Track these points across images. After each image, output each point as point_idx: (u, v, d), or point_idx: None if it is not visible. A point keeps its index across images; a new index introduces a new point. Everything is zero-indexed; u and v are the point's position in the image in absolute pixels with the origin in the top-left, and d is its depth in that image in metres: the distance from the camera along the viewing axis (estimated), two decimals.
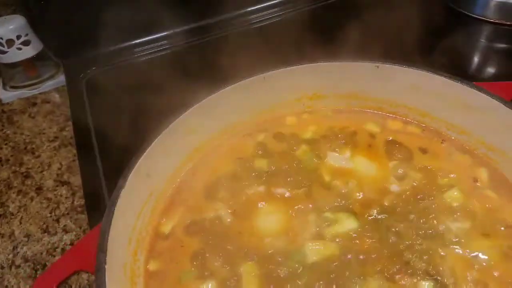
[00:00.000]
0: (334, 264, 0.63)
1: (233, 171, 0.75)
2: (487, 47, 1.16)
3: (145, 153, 0.66)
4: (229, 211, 0.70)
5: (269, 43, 1.14)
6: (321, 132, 0.79)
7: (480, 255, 0.63)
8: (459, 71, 1.07)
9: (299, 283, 0.61)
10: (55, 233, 0.84)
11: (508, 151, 0.71)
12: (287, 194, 0.71)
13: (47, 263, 0.79)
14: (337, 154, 0.75)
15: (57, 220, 0.86)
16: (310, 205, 0.69)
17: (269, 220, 0.68)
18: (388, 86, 0.76)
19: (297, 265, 0.63)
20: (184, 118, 0.72)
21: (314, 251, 0.64)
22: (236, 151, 0.78)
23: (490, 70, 1.13)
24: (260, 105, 0.80)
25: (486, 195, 0.70)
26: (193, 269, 0.64)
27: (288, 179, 0.72)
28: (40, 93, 1.17)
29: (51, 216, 0.87)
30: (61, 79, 1.18)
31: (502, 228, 0.66)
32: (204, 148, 0.77)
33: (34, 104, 1.14)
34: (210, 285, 0.62)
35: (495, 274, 0.61)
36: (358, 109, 0.81)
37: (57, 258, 0.80)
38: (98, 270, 0.54)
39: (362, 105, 0.80)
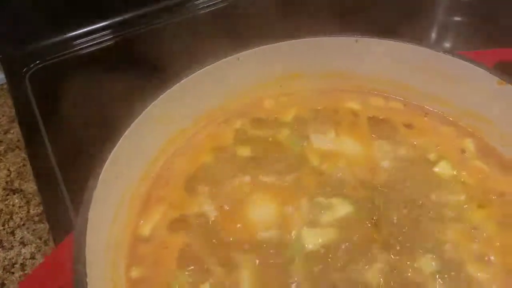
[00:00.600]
0: (333, 250, 0.59)
1: (213, 161, 0.69)
2: (445, 20, 1.17)
3: (114, 149, 0.59)
4: (215, 204, 0.64)
5: (226, 26, 1.08)
6: (302, 114, 0.74)
7: (479, 226, 0.62)
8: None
9: (299, 273, 0.57)
10: (11, 248, 0.74)
11: (494, 120, 0.70)
12: (275, 182, 0.66)
13: (5, 282, 0.70)
14: (321, 136, 0.71)
15: (12, 233, 0.76)
16: (301, 192, 0.65)
17: (259, 211, 0.63)
18: (367, 61, 0.73)
19: (294, 255, 0.59)
20: (154, 107, 0.65)
21: (311, 239, 0.60)
22: (213, 139, 0.72)
23: (448, 43, 1.13)
24: (235, 89, 0.74)
25: (476, 166, 0.69)
26: (182, 271, 0.57)
27: (274, 166, 0.67)
28: None
29: (4, 229, 0.77)
30: None
31: (495, 197, 0.65)
32: (178, 139, 0.70)
33: None
34: (205, 286, 0.56)
35: (495, 244, 0.60)
36: (337, 87, 0.77)
37: (17, 275, 0.71)
38: (77, 285, 0.46)
39: (341, 83, 0.76)
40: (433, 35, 1.14)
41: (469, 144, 0.71)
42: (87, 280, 0.47)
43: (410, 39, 0.71)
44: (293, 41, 0.70)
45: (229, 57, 0.69)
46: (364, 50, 0.71)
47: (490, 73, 0.66)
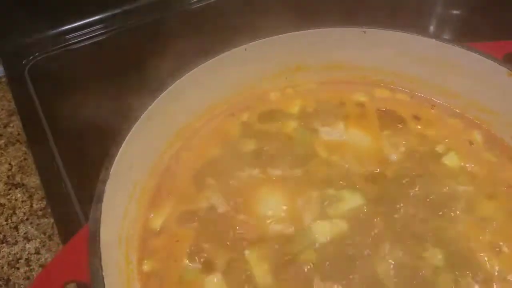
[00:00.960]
0: (344, 242, 0.59)
1: (220, 155, 0.68)
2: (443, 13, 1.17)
3: (125, 141, 0.58)
4: (223, 198, 0.63)
5: (221, 21, 1.07)
6: (308, 106, 0.74)
7: (488, 217, 0.62)
8: None
9: (310, 265, 0.57)
10: (15, 243, 0.73)
11: (501, 111, 0.70)
12: (284, 175, 0.66)
13: (10, 278, 0.69)
14: (329, 128, 0.71)
15: (16, 228, 0.75)
16: (311, 184, 0.64)
17: (269, 204, 0.63)
18: (374, 53, 0.73)
19: (305, 248, 0.58)
20: (162, 100, 0.64)
21: (322, 231, 0.60)
22: (220, 133, 0.72)
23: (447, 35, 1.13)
24: (241, 82, 0.74)
25: (484, 157, 0.69)
26: (194, 264, 0.57)
27: (283, 159, 0.67)
28: None
29: (7, 224, 0.76)
30: None
31: (504, 189, 0.65)
32: (185, 132, 0.70)
33: None
34: (216, 278, 0.56)
35: (505, 234, 0.60)
36: (342, 79, 0.77)
37: (22, 270, 0.70)
38: (94, 278, 0.46)
39: (347, 75, 0.76)
40: (432, 28, 1.15)
41: (477, 136, 0.71)
42: (103, 273, 0.46)
43: (416, 30, 0.71)
44: (300, 32, 0.70)
45: (235, 49, 0.68)
46: (370, 41, 0.71)
47: (499, 64, 0.67)
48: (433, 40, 0.69)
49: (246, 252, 0.58)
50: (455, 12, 1.17)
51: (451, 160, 0.68)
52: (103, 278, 0.46)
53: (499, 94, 0.68)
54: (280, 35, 0.69)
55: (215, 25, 1.05)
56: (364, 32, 0.71)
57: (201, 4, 1.19)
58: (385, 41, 0.71)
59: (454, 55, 0.69)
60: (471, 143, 0.71)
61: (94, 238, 0.48)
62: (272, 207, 0.63)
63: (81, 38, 1.08)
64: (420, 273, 0.57)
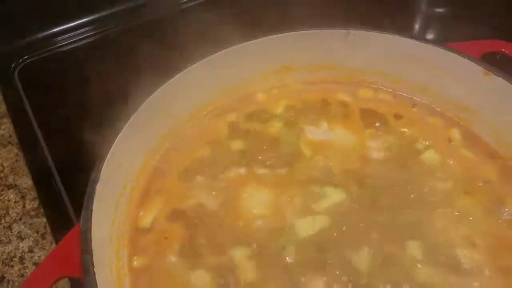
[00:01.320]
0: (325, 237, 0.62)
1: (208, 154, 0.70)
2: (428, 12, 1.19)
3: (114, 143, 0.60)
4: (211, 196, 0.66)
5: (212, 21, 1.09)
6: (294, 106, 0.76)
7: (465, 212, 0.65)
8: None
9: (293, 259, 0.59)
10: (9, 242, 0.75)
11: (480, 110, 0.72)
12: (269, 173, 0.68)
13: (5, 275, 0.70)
14: (314, 127, 0.73)
15: (9, 227, 0.77)
16: (295, 182, 0.67)
17: (255, 202, 0.65)
18: (358, 53, 0.75)
19: (289, 243, 0.61)
20: (151, 101, 0.66)
21: (304, 227, 0.63)
22: (208, 133, 0.74)
23: (431, 34, 1.16)
24: (227, 84, 0.76)
25: (462, 154, 0.72)
26: (181, 260, 0.59)
27: (268, 158, 0.69)
28: None
29: (1, 224, 0.77)
30: None
31: (482, 186, 0.68)
32: (174, 133, 0.72)
33: None
34: (202, 274, 0.58)
35: (480, 229, 0.63)
36: (326, 79, 0.79)
37: (16, 268, 0.71)
38: (86, 274, 0.48)
39: (331, 75, 0.79)
40: (417, 27, 1.17)
41: (456, 134, 0.74)
42: (94, 269, 0.48)
43: (398, 31, 0.73)
44: (285, 34, 0.72)
45: (220, 52, 0.71)
46: (354, 43, 0.74)
47: (476, 64, 0.69)
48: (413, 40, 0.72)
49: (232, 248, 0.60)
50: (438, 10, 1.20)
51: (430, 157, 0.70)
52: (94, 273, 0.48)
53: (476, 92, 0.71)
54: (265, 38, 0.72)
55: (206, 26, 1.06)
56: (348, 33, 0.73)
57: (191, 4, 1.21)
58: (368, 42, 0.74)
59: (433, 55, 0.72)
60: (450, 140, 0.73)
61: (85, 236, 0.50)
62: (258, 205, 0.65)
63: (70, 40, 1.10)
64: (399, 265, 0.59)
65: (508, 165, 0.70)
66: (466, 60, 0.69)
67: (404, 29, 1.10)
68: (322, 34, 0.73)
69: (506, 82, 0.67)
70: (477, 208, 0.65)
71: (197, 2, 1.21)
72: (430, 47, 0.71)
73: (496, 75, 0.67)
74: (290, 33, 0.72)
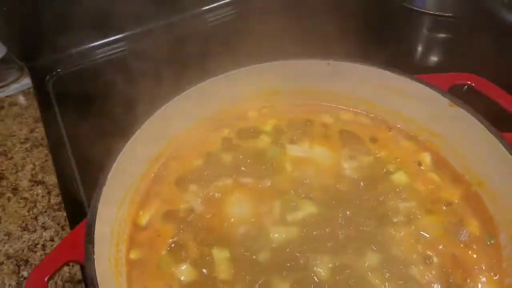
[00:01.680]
0: (295, 244, 0.70)
1: (202, 164, 0.81)
2: (429, 37, 1.27)
3: (121, 152, 0.72)
4: (200, 201, 0.76)
5: (231, 40, 1.19)
6: (280, 124, 0.86)
7: (425, 230, 0.71)
8: (407, 59, 1.17)
9: (266, 262, 0.68)
10: (35, 231, 0.88)
11: (448, 137, 0.80)
12: (253, 184, 0.78)
13: (29, 259, 0.83)
14: (296, 145, 0.83)
15: (36, 218, 0.90)
16: (275, 194, 0.76)
17: (237, 209, 0.75)
18: (338, 81, 0.84)
19: (263, 248, 0.70)
20: (157, 116, 0.77)
21: (278, 234, 0.71)
22: (204, 146, 0.84)
23: (433, 58, 1.23)
24: (224, 102, 0.86)
25: (429, 177, 0.79)
26: (170, 255, 0.70)
27: (254, 170, 0.79)
28: (6, 97, 1.19)
29: (29, 215, 0.91)
30: (25, 82, 1.20)
31: (446, 208, 0.75)
32: (173, 144, 0.83)
33: (2, 107, 1.16)
34: (184, 267, 0.68)
35: (438, 247, 0.70)
36: (312, 102, 0.88)
37: (38, 254, 0.84)
38: (87, 260, 0.59)
39: (316, 99, 0.88)
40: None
41: (426, 158, 0.81)
42: (94, 256, 0.60)
43: (376, 62, 0.82)
44: (273, 62, 0.82)
45: (218, 76, 0.81)
46: (334, 72, 0.83)
47: (443, 95, 0.77)
48: (386, 71, 0.80)
49: (214, 248, 0.70)
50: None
51: (399, 178, 0.78)
52: (94, 260, 0.59)
53: (444, 121, 0.78)
54: (256, 65, 0.82)
55: (234, 40, 1.16)
56: (328, 64, 0.82)
57: (217, 23, 1.33)
58: (347, 71, 0.83)
59: (404, 85, 0.80)
60: (419, 164, 0.81)
61: (90, 229, 0.62)
62: (241, 212, 0.75)
63: (101, 55, 1.23)
64: (357, 274, 0.66)
65: (471, 190, 0.76)
66: (433, 92, 0.77)
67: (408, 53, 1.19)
68: (304, 64, 0.82)
69: (468, 113, 0.74)
70: (437, 228, 0.72)
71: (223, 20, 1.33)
72: (400, 77, 0.79)
73: (459, 106, 0.75)
74: (275, 62, 0.82)
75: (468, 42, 1.15)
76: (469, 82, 0.79)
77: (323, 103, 0.88)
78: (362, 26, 1.16)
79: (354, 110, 0.88)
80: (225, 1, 1.36)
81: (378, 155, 0.82)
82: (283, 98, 0.88)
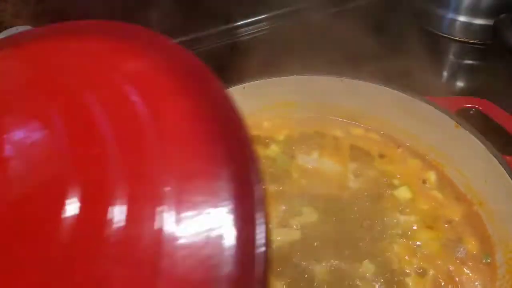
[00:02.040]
0: (294, 247, 0.73)
1: None
2: (455, 63, 1.28)
3: None
4: None
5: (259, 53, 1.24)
6: (292, 135, 0.90)
7: (423, 245, 0.73)
8: (431, 84, 1.19)
9: None
10: None
11: (453, 157, 0.82)
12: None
13: None
14: (305, 156, 0.87)
15: None
16: (281, 199, 0.80)
17: None
18: (351, 97, 0.88)
19: None
20: None
21: (279, 236, 0.74)
22: None
23: (459, 83, 1.24)
24: (243, 112, 0.91)
25: (433, 195, 0.81)
26: None
27: (264, 176, 0.82)
28: None
29: None
30: None
31: (446, 225, 0.76)
32: None
33: None
34: None
35: (435, 262, 0.71)
36: (325, 116, 0.92)
37: None
38: None
39: (329, 113, 0.91)
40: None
41: (431, 176, 0.83)
42: None
43: (388, 82, 0.85)
44: (288, 77, 0.87)
45: (235, 87, 0.86)
46: (347, 88, 0.86)
47: (449, 117, 0.80)
48: (396, 91, 0.83)
49: None
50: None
51: (402, 193, 0.80)
52: None
53: (449, 141, 0.81)
54: (271, 78, 0.87)
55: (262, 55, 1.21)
56: (342, 80, 0.86)
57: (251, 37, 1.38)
58: (359, 89, 0.86)
59: (414, 106, 0.83)
60: (424, 181, 0.83)
61: None
62: None
63: None
64: (352, 280, 0.69)
65: (473, 209, 0.78)
66: (441, 113, 0.80)
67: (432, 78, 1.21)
68: (317, 79, 0.87)
69: (471, 134, 0.77)
70: (435, 243, 0.74)
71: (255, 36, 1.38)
72: (410, 98, 0.82)
73: (464, 128, 0.78)
74: (290, 77, 0.87)
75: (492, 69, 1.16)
76: (476, 106, 0.81)
77: (335, 117, 0.92)
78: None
79: (365, 126, 0.91)
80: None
81: (385, 170, 0.84)
82: (296, 110, 0.92)
